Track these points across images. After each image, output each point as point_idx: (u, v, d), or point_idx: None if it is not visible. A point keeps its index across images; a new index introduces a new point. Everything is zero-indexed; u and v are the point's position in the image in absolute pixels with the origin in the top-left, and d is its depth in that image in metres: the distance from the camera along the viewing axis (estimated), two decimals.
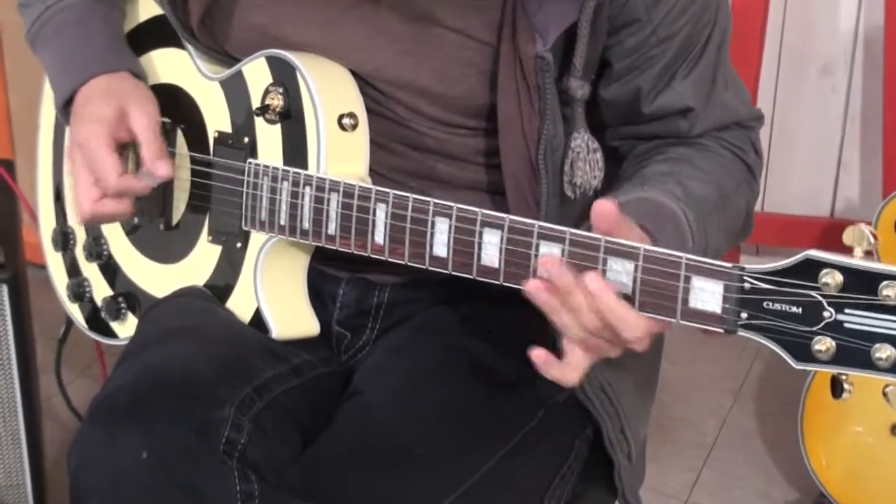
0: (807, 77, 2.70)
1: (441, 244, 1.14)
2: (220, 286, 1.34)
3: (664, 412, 2.40)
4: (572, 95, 1.23)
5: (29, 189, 1.58)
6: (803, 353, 0.96)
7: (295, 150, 1.26)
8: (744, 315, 0.98)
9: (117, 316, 1.45)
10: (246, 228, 1.30)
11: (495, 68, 1.23)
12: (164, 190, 1.36)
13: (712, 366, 2.62)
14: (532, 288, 1.05)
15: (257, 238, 1.30)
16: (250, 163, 1.29)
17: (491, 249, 1.11)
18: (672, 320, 1.02)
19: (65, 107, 1.37)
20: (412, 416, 1.22)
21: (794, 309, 0.96)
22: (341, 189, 1.21)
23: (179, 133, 1.38)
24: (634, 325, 1.04)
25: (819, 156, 2.74)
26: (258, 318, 1.30)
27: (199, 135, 1.35)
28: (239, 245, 1.31)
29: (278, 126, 1.27)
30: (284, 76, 1.25)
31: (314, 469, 1.17)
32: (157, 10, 1.41)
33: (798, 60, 2.69)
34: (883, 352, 0.93)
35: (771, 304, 0.97)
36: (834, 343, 0.95)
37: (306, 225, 1.24)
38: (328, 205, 1.22)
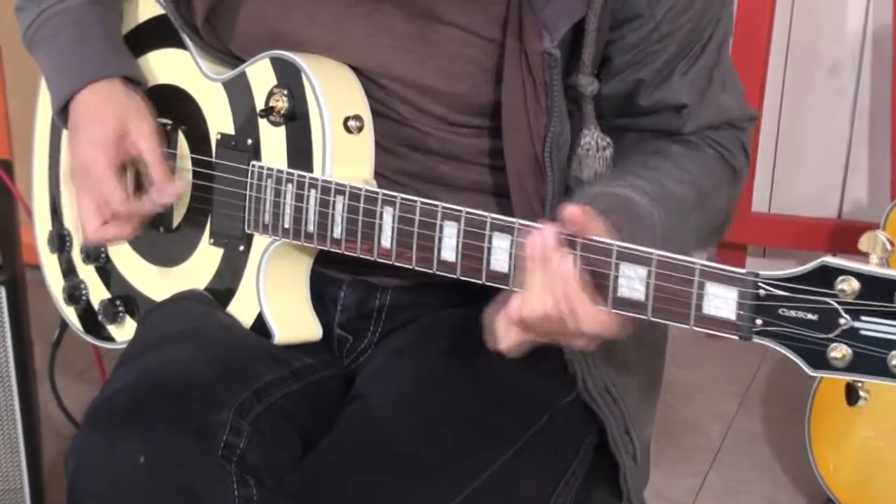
0: (814, 78, 2.70)
1: (449, 248, 1.14)
2: (221, 290, 1.34)
3: (669, 416, 2.40)
4: (581, 92, 1.24)
5: (27, 190, 1.58)
6: (819, 360, 0.97)
7: (299, 152, 1.25)
8: (759, 322, 0.99)
9: (115, 319, 1.45)
10: (249, 231, 1.30)
11: (500, 65, 1.24)
12: None
13: (718, 369, 2.62)
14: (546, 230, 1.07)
15: (260, 241, 1.30)
16: (254, 165, 1.29)
17: (501, 254, 1.11)
18: (685, 326, 1.02)
19: (62, 110, 1.37)
20: (414, 420, 1.22)
21: (809, 316, 0.96)
22: (347, 192, 1.21)
23: (181, 134, 1.37)
24: (589, 316, 1.05)
25: (827, 157, 2.74)
26: (260, 323, 1.30)
27: (200, 136, 1.35)
28: (241, 248, 1.31)
29: (283, 128, 1.27)
30: (289, 78, 1.25)
31: (314, 474, 1.18)
32: (156, 10, 1.41)
33: (805, 61, 2.70)
34: None
35: (786, 310, 0.97)
36: (850, 350, 0.95)
37: (311, 228, 1.24)
38: (334, 208, 1.22)
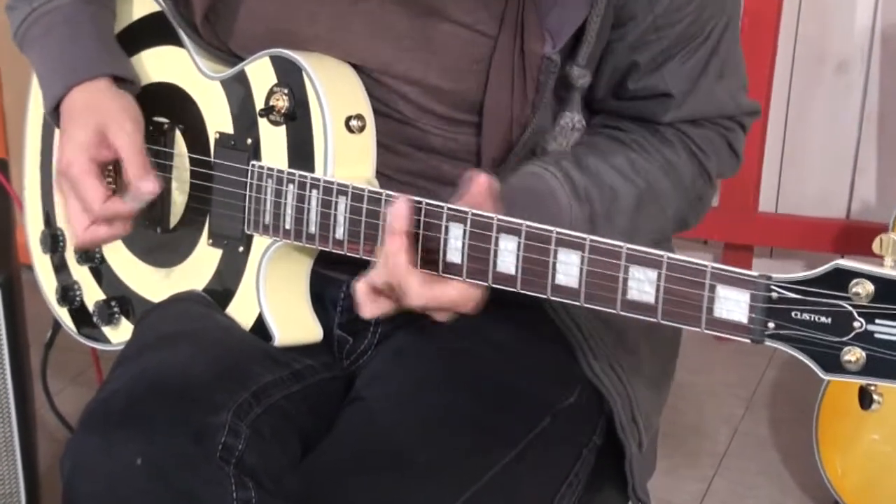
0: (822, 75, 2.71)
1: (455, 250, 1.14)
2: (220, 291, 1.33)
3: (675, 420, 2.40)
4: (572, 84, 1.25)
5: (21, 188, 1.58)
6: (832, 363, 0.97)
7: (300, 152, 1.25)
8: (771, 325, 0.99)
9: (110, 321, 1.45)
10: (249, 232, 1.30)
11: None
12: (162, 192, 1.36)
13: (724, 372, 2.62)
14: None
15: (260, 242, 1.29)
16: (253, 165, 1.28)
17: (508, 256, 1.11)
18: (696, 329, 1.02)
19: (53, 111, 1.37)
20: (414, 422, 1.22)
21: (823, 319, 0.96)
22: (349, 192, 1.20)
23: (178, 133, 1.37)
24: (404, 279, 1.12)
25: (834, 156, 2.75)
26: (260, 325, 1.30)
27: (198, 135, 1.35)
28: (241, 249, 1.31)
29: (283, 128, 1.27)
30: (290, 77, 1.25)
31: (314, 476, 1.18)
32: (151, 8, 1.41)
33: (813, 58, 2.70)
34: None
35: (799, 314, 0.97)
36: (864, 354, 0.95)
37: (313, 229, 1.24)
38: (336, 209, 1.21)
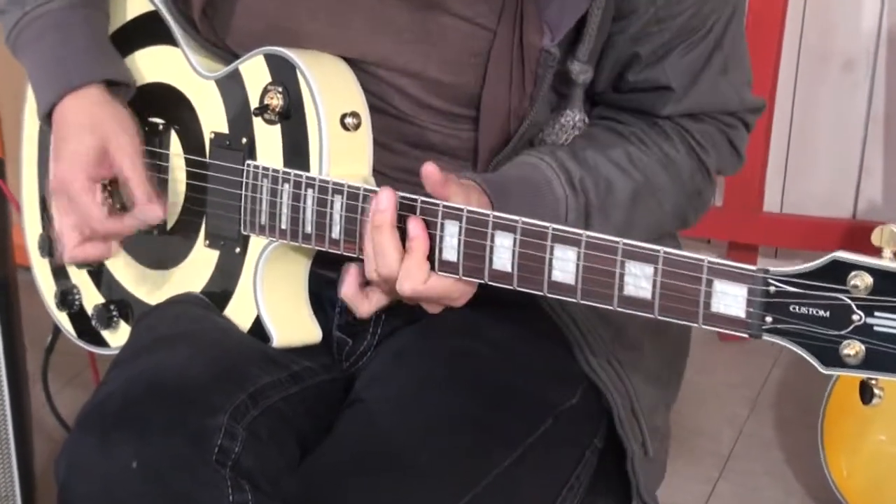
0: (828, 74, 2.70)
1: (451, 248, 1.14)
2: (218, 293, 1.33)
3: (678, 421, 2.38)
4: (573, 80, 1.25)
5: (19, 189, 1.58)
6: (831, 357, 0.96)
7: (296, 151, 1.25)
8: (769, 319, 0.99)
9: (108, 324, 1.45)
10: (245, 233, 1.30)
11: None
12: (158, 193, 1.36)
13: (728, 373, 2.62)
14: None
15: (257, 242, 1.29)
16: (249, 165, 1.28)
17: (504, 253, 1.11)
18: (694, 325, 1.02)
19: (47, 115, 1.36)
20: (414, 424, 1.22)
21: (821, 312, 0.96)
22: (345, 191, 1.20)
23: (173, 134, 1.37)
24: (416, 282, 1.14)
25: (840, 155, 2.74)
26: (258, 326, 1.30)
27: (194, 136, 1.35)
28: (238, 250, 1.31)
29: (278, 126, 1.27)
30: (284, 75, 1.25)
31: (312, 478, 1.18)
32: (145, 7, 1.40)
33: (818, 57, 2.69)
34: None
35: (797, 307, 0.97)
36: (863, 347, 0.95)
37: (309, 229, 1.24)
38: (332, 208, 1.21)
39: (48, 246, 1.50)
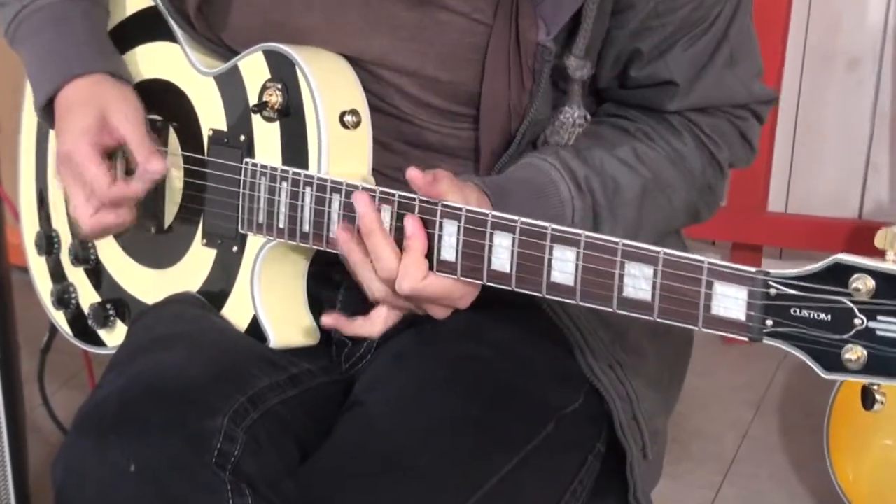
0: (833, 72, 2.70)
1: (449, 248, 1.14)
2: (215, 292, 1.34)
3: (681, 424, 2.39)
4: (570, 76, 1.25)
5: (13, 189, 1.58)
6: (832, 362, 0.96)
7: (294, 149, 1.26)
8: (769, 322, 0.98)
9: (105, 324, 1.45)
10: (243, 231, 1.30)
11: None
12: (156, 191, 1.36)
13: (732, 375, 2.62)
14: (339, 233, 1.18)
15: (254, 241, 1.30)
16: (247, 162, 1.29)
17: (502, 253, 1.11)
18: (693, 327, 1.02)
19: (45, 108, 1.37)
20: (414, 428, 1.22)
21: (822, 316, 0.96)
22: (343, 190, 1.21)
23: (172, 131, 1.38)
24: (414, 279, 1.13)
25: (846, 154, 2.74)
26: (255, 327, 1.30)
27: (192, 133, 1.35)
28: (235, 249, 1.31)
29: (276, 124, 1.27)
30: (283, 71, 1.26)
31: (312, 482, 1.18)
32: (145, 3, 1.41)
33: (823, 55, 2.70)
34: None
35: (798, 310, 0.97)
36: (865, 352, 0.95)
37: (306, 228, 1.24)
38: (330, 206, 1.22)
39: (45, 244, 1.51)
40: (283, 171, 1.25)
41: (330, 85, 1.25)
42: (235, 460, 1.13)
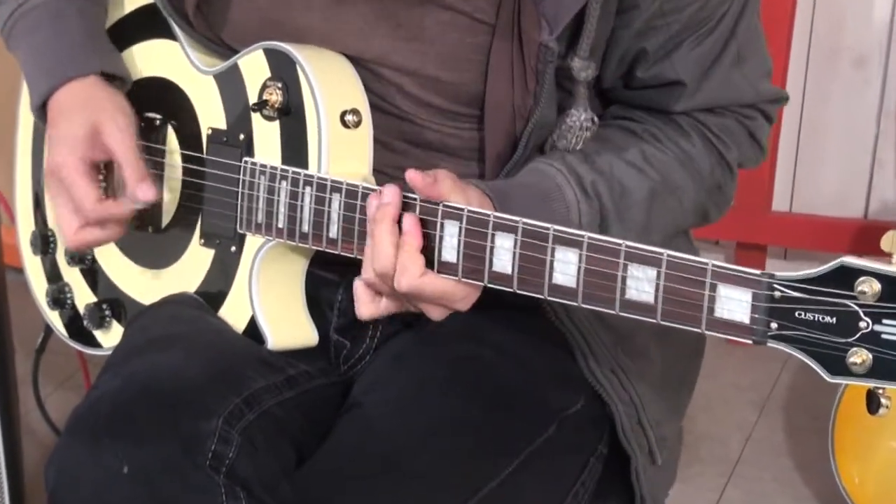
0: (838, 70, 2.70)
1: (450, 248, 1.14)
2: (213, 293, 1.34)
3: (685, 426, 2.39)
4: (575, 77, 1.24)
5: (7, 188, 1.58)
6: (837, 365, 0.96)
7: (294, 148, 1.26)
8: (774, 325, 0.99)
9: (101, 324, 1.45)
10: (241, 231, 1.30)
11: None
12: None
13: (737, 377, 2.61)
14: (369, 201, 1.16)
15: (253, 241, 1.30)
16: (246, 161, 1.29)
17: (504, 254, 1.12)
18: (697, 330, 1.02)
19: (40, 109, 1.37)
20: (414, 430, 1.22)
21: (827, 319, 0.96)
22: (343, 190, 1.21)
23: (170, 130, 1.38)
24: (411, 276, 1.13)
25: (852, 153, 2.74)
26: (253, 328, 1.30)
27: (191, 132, 1.35)
28: (233, 249, 1.31)
29: (276, 123, 1.27)
30: (283, 70, 1.26)
31: (309, 485, 1.18)
32: (143, 0, 1.41)
33: (829, 52, 2.69)
34: None
35: (803, 313, 0.97)
36: (870, 355, 0.95)
37: (306, 228, 1.24)
38: (329, 206, 1.22)
39: (40, 243, 1.51)
40: (282, 170, 1.25)
41: (331, 84, 1.25)
42: (230, 462, 1.13)
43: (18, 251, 1.55)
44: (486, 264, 1.13)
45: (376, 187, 1.19)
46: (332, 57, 1.28)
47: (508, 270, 1.12)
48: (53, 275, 1.51)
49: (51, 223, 1.51)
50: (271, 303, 1.30)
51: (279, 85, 1.26)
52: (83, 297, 1.48)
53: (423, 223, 1.15)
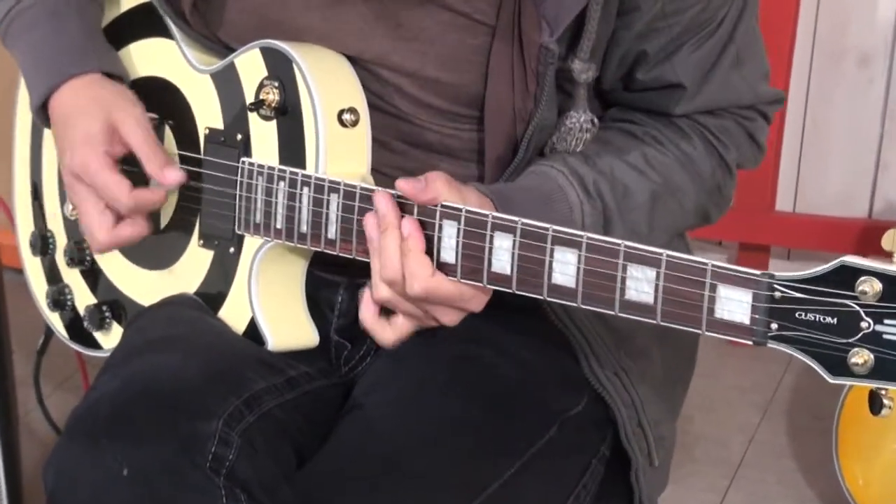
0: (843, 69, 2.70)
1: (449, 249, 1.14)
2: (212, 294, 1.34)
3: (686, 427, 2.39)
4: (575, 79, 1.24)
5: (6, 189, 1.58)
6: (839, 366, 0.96)
7: (292, 148, 1.25)
8: (774, 326, 0.99)
9: (101, 326, 1.45)
10: (239, 232, 1.30)
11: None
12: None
13: (739, 378, 2.61)
14: (365, 222, 1.16)
15: (252, 242, 1.30)
16: (244, 162, 1.29)
17: (503, 255, 1.11)
18: (697, 331, 1.02)
19: (40, 109, 1.37)
20: (414, 432, 1.22)
21: (828, 319, 0.96)
22: (342, 190, 1.21)
23: (167, 130, 1.37)
24: (423, 278, 1.13)
25: (856, 153, 2.74)
26: (253, 329, 1.30)
27: (188, 132, 1.35)
28: (232, 250, 1.31)
29: (274, 122, 1.27)
30: (280, 69, 1.25)
31: (309, 486, 1.18)
32: None
33: (833, 51, 2.69)
34: None
35: (804, 314, 0.97)
36: (872, 356, 0.95)
37: (304, 228, 1.24)
38: (328, 207, 1.22)
39: (40, 244, 1.50)
40: (280, 170, 1.25)
41: (328, 83, 1.25)
42: (230, 464, 1.13)
43: (17, 251, 1.55)
44: (485, 265, 1.12)
45: (374, 187, 1.18)
46: (329, 55, 1.28)
47: (507, 271, 1.12)
48: (53, 276, 1.51)
49: (50, 223, 1.51)
50: (271, 303, 1.30)
51: (276, 84, 1.26)
52: (83, 298, 1.48)
53: (422, 224, 1.15)
